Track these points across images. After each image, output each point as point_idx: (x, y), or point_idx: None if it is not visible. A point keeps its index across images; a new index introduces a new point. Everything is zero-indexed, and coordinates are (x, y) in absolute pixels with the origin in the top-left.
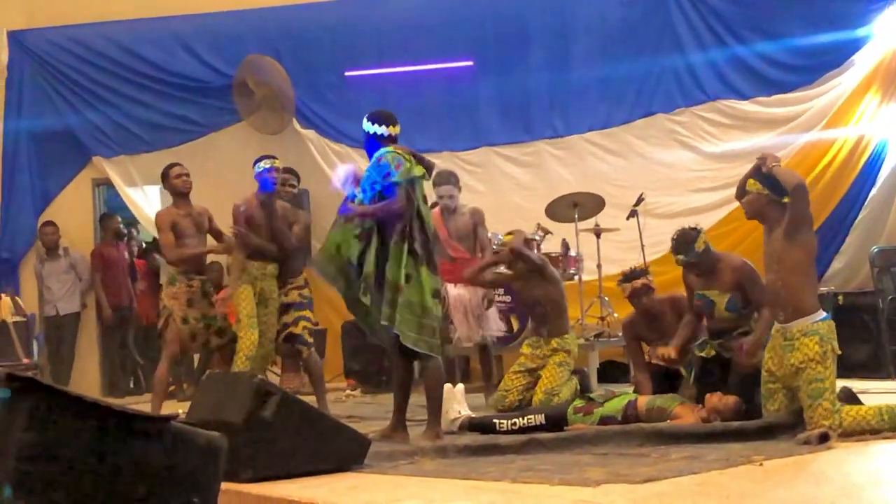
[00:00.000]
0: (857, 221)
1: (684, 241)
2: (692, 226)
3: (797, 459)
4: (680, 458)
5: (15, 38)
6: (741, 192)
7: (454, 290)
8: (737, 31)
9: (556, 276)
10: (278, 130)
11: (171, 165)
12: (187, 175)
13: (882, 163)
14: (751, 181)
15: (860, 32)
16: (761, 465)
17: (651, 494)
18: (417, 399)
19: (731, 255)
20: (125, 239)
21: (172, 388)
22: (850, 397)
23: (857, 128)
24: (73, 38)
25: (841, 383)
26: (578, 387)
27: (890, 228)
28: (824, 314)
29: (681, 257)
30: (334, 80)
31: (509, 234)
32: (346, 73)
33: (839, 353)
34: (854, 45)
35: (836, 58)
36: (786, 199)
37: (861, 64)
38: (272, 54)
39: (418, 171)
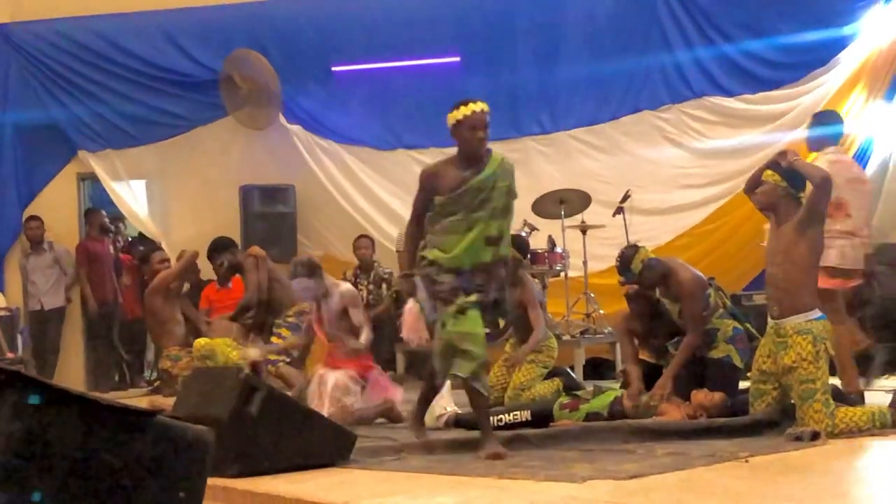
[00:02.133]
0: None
1: (622, 262)
2: (633, 243)
3: (783, 456)
4: (666, 455)
5: (0, 31)
6: (753, 184)
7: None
8: (723, 29)
9: (528, 279)
10: (265, 125)
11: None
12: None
13: (868, 160)
14: (768, 172)
15: (846, 30)
16: (747, 461)
17: (637, 490)
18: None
19: (683, 269)
20: (111, 234)
21: (157, 382)
22: (840, 398)
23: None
24: (59, 31)
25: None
26: (561, 385)
27: (875, 226)
28: (819, 314)
29: (621, 279)
30: (321, 76)
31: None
32: (333, 69)
33: (832, 353)
34: (840, 43)
35: (822, 55)
36: (801, 195)
37: (847, 62)
38: (259, 49)
39: None
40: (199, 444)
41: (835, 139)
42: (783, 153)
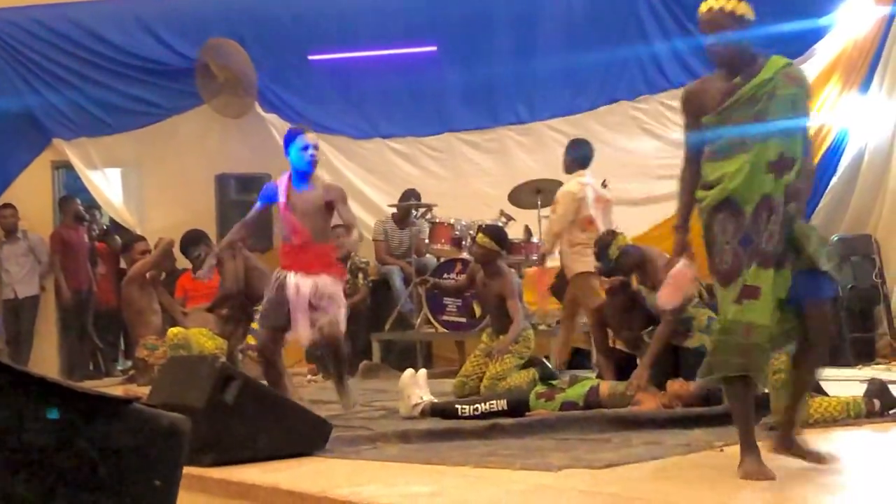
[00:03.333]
0: (817, 210)
1: (600, 247)
2: (611, 229)
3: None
4: (641, 444)
5: None
6: None
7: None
8: None
9: (506, 270)
10: (241, 114)
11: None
12: None
13: (842, 152)
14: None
15: (822, 22)
16: (722, 450)
17: (612, 479)
18: (378, 384)
19: (661, 257)
20: (85, 222)
21: (132, 372)
22: (814, 388)
23: (818, 116)
24: (35, 19)
25: None
26: (537, 375)
27: (850, 217)
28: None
29: (599, 265)
30: (298, 65)
31: (480, 231)
32: (310, 58)
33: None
34: (815, 35)
35: (797, 47)
36: None
37: (822, 53)
38: (235, 38)
39: None
40: (175, 432)
41: (585, 163)
42: None
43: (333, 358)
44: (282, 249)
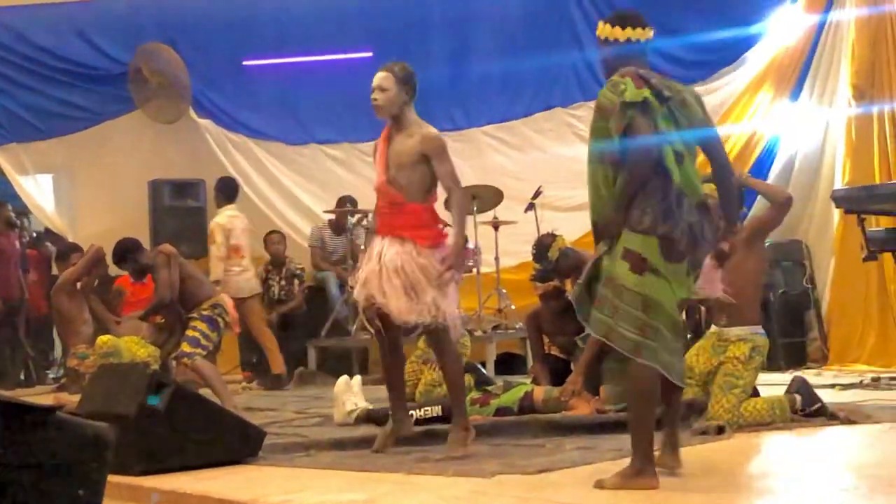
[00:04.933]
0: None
1: (539, 248)
2: (551, 231)
3: (689, 450)
4: (574, 449)
5: None
6: None
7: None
8: None
9: None
10: (174, 119)
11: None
12: None
13: (774, 159)
14: (711, 185)
15: (753, 29)
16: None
17: (545, 485)
18: (314, 391)
19: None
20: (16, 228)
21: (64, 380)
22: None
23: (749, 124)
24: None
25: None
26: (472, 381)
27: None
28: (763, 331)
29: (537, 266)
30: (232, 70)
31: None
32: (245, 63)
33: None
34: (747, 42)
35: (729, 54)
36: (743, 208)
37: (754, 61)
38: (169, 42)
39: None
40: (99, 442)
41: (231, 198)
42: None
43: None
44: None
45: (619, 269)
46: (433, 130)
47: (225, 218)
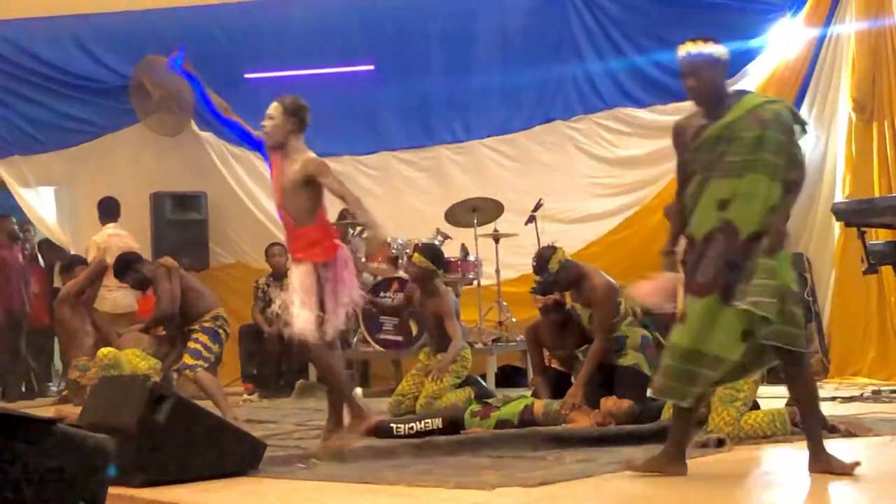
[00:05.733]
0: None
1: (539, 261)
2: (551, 244)
3: (689, 463)
4: (575, 462)
5: None
6: None
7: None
8: (634, 40)
9: (443, 289)
10: (176, 132)
11: None
12: None
13: None
14: None
15: (754, 43)
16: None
17: (545, 497)
18: (314, 403)
19: (597, 274)
20: (19, 241)
21: (65, 393)
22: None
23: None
24: None
25: None
26: (473, 394)
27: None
28: None
29: (538, 278)
30: (234, 82)
31: (416, 250)
32: (246, 76)
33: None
34: (748, 56)
35: (730, 67)
36: None
37: (755, 74)
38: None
39: None
40: (99, 453)
41: (113, 217)
42: None
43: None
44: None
45: (791, 279)
46: (313, 155)
47: (103, 236)
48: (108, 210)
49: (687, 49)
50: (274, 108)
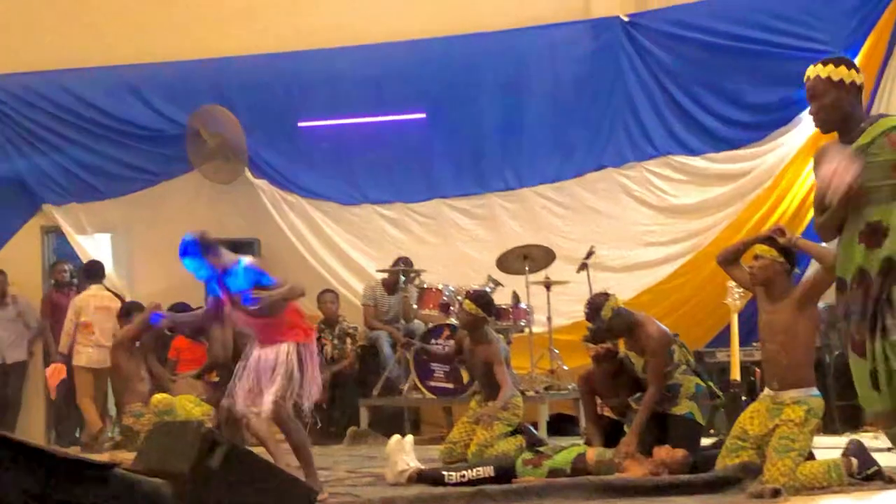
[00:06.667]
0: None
1: (592, 308)
2: (604, 291)
3: None
4: None
5: None
6: (733, 256)
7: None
8: (687, 88)
9: (493, 337)
10: (230, 180)
11: None
12: None
13: None
14: (763, 247)
15: None
16: None
17: None
18: (366, 450)
19: (651, 322)
20: (72, 287)
21: (119, 438)
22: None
23: (804, 185)
24: (26, 85)
25: None
26: (524, 442)
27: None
28: (817, 391)
29: (590, 325)
30: (287, 131)
31: (467, 297)
32: (299, 124)
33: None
34: (802, 103)
35: (784, 115)
36: (796, 270)
37: (808, 121)
38: (225, 104)
39: None
40: (156, 497)
41: (95, 278)
42: (779, 230)
43: None
44: None
45: None
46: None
47: (81, 297)
48: (89, 272)
49: (808, 73)
50: None
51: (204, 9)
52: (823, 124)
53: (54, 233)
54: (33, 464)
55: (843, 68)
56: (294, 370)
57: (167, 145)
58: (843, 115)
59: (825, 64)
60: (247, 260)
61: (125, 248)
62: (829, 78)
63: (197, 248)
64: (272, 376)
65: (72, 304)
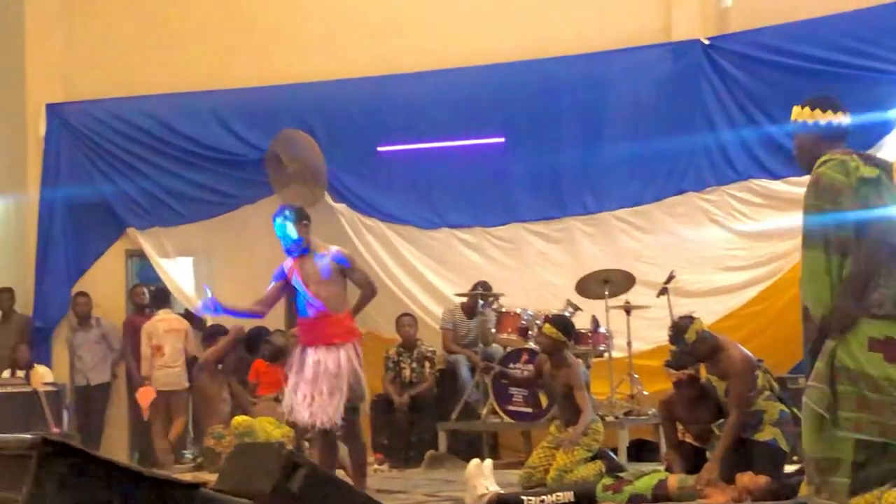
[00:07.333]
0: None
1: (676, 331)
2: (688, 314)
3: None
4: None
5: (53, 110)
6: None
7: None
8: (768, 111)
9: (573, 361)
10: (310, 204)
11: None
12: None
13: None
14: None
15: (890, 114)
16: None
17: None
18: (444, 474)
19: (734, 347)
20: (150, 310)
21: (200, 459)
22: None
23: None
24: (110, 111)
25: None
26: (604, 468)
27: None
28: None
29: (674, 349)
30: (366, 155)
31: (547, 321)
32: (379, 148)
33: None
34: (885, 127)
35: (866, 139)
36: None
37: (891, 145)
38: (305, 129)
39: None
40: None
41: (161, 304)
42: None
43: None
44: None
45: (868, 362)
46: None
47: (150, 322)
48: (156, 299)
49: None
50: None
51: (285, 34)
52: (800, 166)
53: (138, 256)
54: (122, 482)
55: (817, 110)
56: (359, 372)
57: (248, 170)
58: (811, 158)
59: (800, 107)
60: (335, 248)
61: (207, 272)
62: (799, 122)
63: (294, 213)
64: (336, 384)
65: (143, 330)
